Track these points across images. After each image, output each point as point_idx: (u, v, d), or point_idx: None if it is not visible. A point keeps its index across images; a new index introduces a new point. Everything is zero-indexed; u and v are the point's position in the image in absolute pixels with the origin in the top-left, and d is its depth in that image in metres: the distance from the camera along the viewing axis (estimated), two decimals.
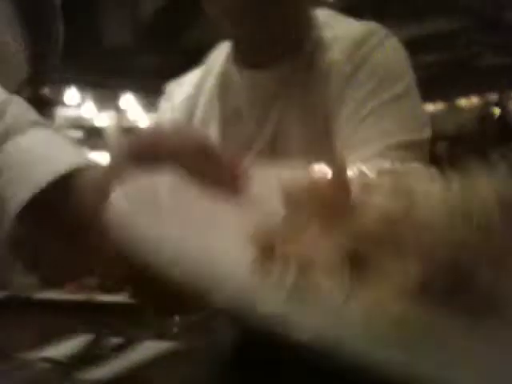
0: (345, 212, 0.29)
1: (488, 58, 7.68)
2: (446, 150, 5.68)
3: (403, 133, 0.79)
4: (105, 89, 7.34)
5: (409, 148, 0.78)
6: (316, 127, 0.83)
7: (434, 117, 8.80)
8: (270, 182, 0.35)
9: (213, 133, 0.89)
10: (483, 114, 7.89)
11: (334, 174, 0.30)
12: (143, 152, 0.39)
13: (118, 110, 7.82)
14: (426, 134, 0.82)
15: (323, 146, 0.81)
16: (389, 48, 0.86)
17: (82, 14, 5.62)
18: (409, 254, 0.26)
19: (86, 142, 6.71)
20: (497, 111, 8.01)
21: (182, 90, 0.97)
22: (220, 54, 0.95)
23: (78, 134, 7.18)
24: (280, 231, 0.30)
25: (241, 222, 0.32)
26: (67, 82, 6.94)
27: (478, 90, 8.54)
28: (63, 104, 7.16)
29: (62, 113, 7.11)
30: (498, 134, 6.85)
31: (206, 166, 0.38)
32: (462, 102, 9.12)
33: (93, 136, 7.22)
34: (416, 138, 0.80)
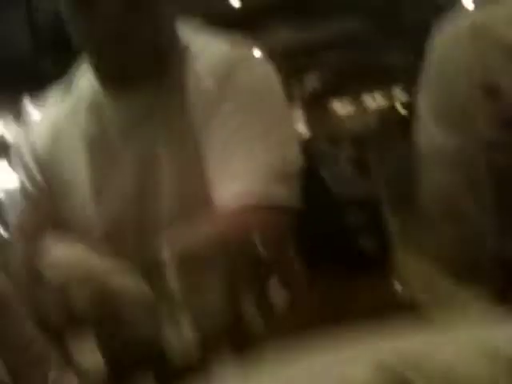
0: None
1: (392, 57, 8.03)
2: (353, 151, 5.86)
3: (274, 166, 0.76)
4: None
5: (279, 181, 0.76)
6: (186, 151, 0.79)
7: (342, 118, 9.08)
8: None
9: (83, 165, 0.85)
10: (387, 115, 8.22)
11: None
12: None
13: None
14: (297, 165, 0.80)
15: (195, 172, 0.78)
16: (260, 74, 0.83)
17: None
18: None
19: None
20: (402, 111, 8.34)
21: (50, 117, 0.92)
22: (86, 79, 0.88)
23: None
24: None
25: None
26: None
27: (383, 87, 8.92)
28: None
29: None
30: (401, 134, 7.17)
31: None
32: (369, 103, 9.46)
33: None
34: (287, 170, 0.78)
